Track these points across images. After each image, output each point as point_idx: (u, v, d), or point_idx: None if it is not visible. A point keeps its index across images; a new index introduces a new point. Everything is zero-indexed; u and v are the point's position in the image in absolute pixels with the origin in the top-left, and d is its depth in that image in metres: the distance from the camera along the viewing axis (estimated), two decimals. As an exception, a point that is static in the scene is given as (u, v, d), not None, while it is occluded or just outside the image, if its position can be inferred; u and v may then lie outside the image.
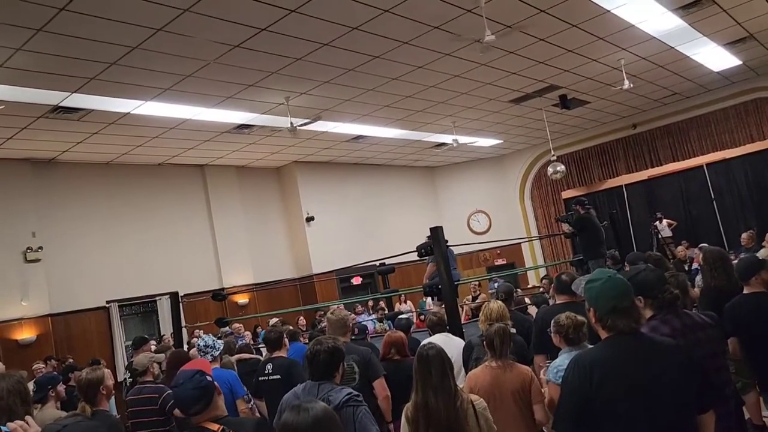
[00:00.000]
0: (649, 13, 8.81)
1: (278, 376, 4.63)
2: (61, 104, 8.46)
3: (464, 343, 4.89)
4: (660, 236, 13.57)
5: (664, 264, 4.68)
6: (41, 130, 9.34)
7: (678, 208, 15.30)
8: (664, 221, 13.94)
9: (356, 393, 2.98)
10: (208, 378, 2.44)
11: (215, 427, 2.35)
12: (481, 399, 2.97)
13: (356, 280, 14.95)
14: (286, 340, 5.13)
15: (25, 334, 10.19)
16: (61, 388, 4.12)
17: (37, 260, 10.49)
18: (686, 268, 9.97)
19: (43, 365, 8.46)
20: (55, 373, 7.59)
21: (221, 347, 4.69)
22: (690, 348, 2.45)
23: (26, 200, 10.63)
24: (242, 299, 13.16)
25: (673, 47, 10.46)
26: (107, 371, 3.96)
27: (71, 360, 9.47)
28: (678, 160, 15.46)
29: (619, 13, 8.58)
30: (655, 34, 9.66)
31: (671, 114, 15.08)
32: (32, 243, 10.50)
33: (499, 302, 4.65)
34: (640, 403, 2.20)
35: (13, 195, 10.47)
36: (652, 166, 15.88)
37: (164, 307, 11.66)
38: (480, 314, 4.75)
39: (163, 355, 5.32)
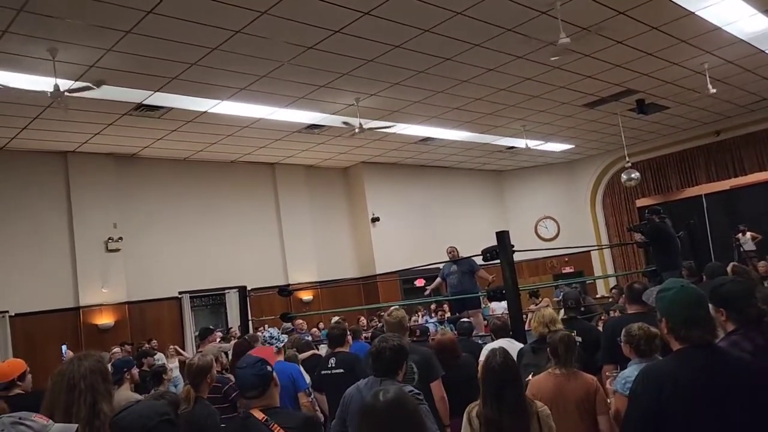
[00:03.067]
0: (737, 15, 8.37)
1: (341, 370, 4.69)
2: (144, 102, 8.91)
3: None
4: (742, 249, 12.83)
5: (749, 276, 4.42)
6: (125, 127, 9.85)
7: (762, 221, 14.36)
8: (748, 234, 13.16)
9: (417, 391, 2.99)
10: (269, 368, 2.55)
11: (261, 415, 2.48)
12: (545, 406, 2.91)
13: (419, 282, 14.92)
14: (350, 337, 5.19)
15: (105, 319, 10.78)
16: (135, 371, 4.33)
17: (117, 250, 11.09)
18: (766, 284, 9.38)
19: (119, 349, 8.91)
20: (130, 357, 8.00)
21: (285, 340, 4.80)
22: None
23: (109, 193, 11.26)
24: (306, 296, 13.41)
25: (762, 50, 9.89)
26: (213, 359, 3.96)
27: (147, 345, 9.93)
28: (764, 170, 14.57)
29: (704, 15, 8.19)
30: (743, 36, 9.16)
31: (758, 121, 14.24)
32: (113, 233, 11.10)
33: (550, 309, 4.59)
34: (710, 422, 2.09)
35: (97, 187, 11.11)
36: (735, 176, 15.05)
37: (232, 300, 12.05)
38: (533, 321, 4.69)
39: (230, 344, 5.50)
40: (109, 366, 4.33)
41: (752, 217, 14.20)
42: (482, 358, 3.83)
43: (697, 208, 15.69)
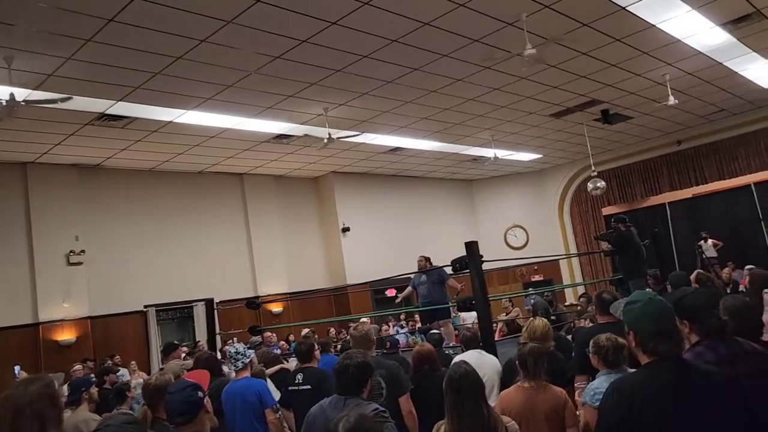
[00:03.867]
0: (696, 28, 8.58)
1: (309, 387, 4.59)
2: (107, 112, 8.71)
3: (496, 360, 4.78)
4: (704, 256, 13.12)
5: (713, 283, 4.48)
6: (88, 137, 9.62)
7: (724, 228, 14.72)
8: (710, 241, 13.47)
9: (383, 409, 2.92)
10: (200, 394, 2.50)
11: None
12: (513, 422, 2.88)
13: (390, 293, 14.87)
14: (317, 352, 5.09)
15: (66, 335, 10.45)
16: (93, 390, 4.17)
17: (79, 263, 10.79)
18: (728, 290, 9.59)
19: (80, 366, 8.63)
20: (91, 376, 7.75)
21: (251, 355, 4.69)
22: (736, 378, 2.32)
23: (71, 204, 10.96)
24: (276, 308, 13.24)
25: (720, 63, 10.17)
26: (172, 378, 3.87)
27: (110, 362, 9.65)
28: (724, 179, 14.97)
29: (665, 28, 8.38)
30: (702, 49, 9.40)
31: (718, 131, 14.63)
32: (75, 246, 10.80)
33: (545, 320, 4.52)
34: (680, 434, 2.08)
35: (59, 199, 10.80)
36: (697, 184, 15.41)
37: (200, 313, 11.83)
38: (523, 330, 4.61)
39: (191, 362, 5.34)
40: (65, 387, 4.19)
41: (714, 225, 14.56)
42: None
43: (660, 216, 16.04)
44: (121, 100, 8.38)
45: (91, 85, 7.73)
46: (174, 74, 7.74)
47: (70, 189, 11.00)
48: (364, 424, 1.69)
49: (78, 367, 8.72)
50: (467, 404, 2.73)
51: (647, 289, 8.25)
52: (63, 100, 7.11)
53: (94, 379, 6.26)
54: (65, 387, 4.08)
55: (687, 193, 15.71)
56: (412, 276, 9.35)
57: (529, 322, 4.59)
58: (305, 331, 9.90)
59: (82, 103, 8.23)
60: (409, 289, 9.45)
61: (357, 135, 10.94)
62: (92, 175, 11.36)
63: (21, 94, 7.15)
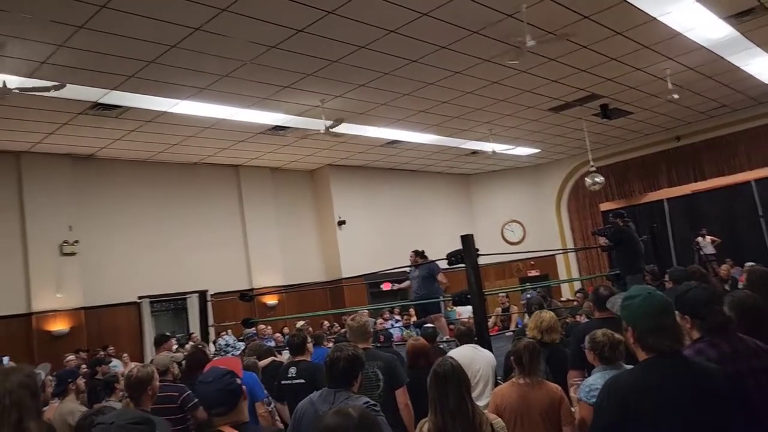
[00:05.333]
0: (699, 22, 8.48)
1: (302, 380, 4.53)
2: (100, 101, 8.60)
3: (491, 355, 4.72)
4: (702, 253, 13.06)
5: (707, 279, 4.42)
6: (81, 126, 9.51)
7: (722, 224, 14.65)
8: (708, 238, 13.41)
9: (373, 403, 2.86)
10: (238, 381, 2.41)
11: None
12: (499, 419, 2.83)
13: (385, 286, 14.80)
14: (310, 345, 5.03)
15: (59, 325, 10.37)
16: (80, 381, 4.11)
17: (72, 254, 10.69)
18: (726, 287, 9.55)
19: (74, 357, 8.55)
20: (84, 365, 7.68)
21: (241, 347, 4.62)
22: (739, 376, 2.25)
23: (65, 194, 10.85)
24: (271, 300, 13.17)
25: (722, 57, 10.07)
26: (155, 370, 3.82)
27: (102, 353, 9.58)
28: (724, 175, 14.89)
29: (667, 21, 8.28)
30: (705, 43, 9.31)
31: (718, 127, 14.55)
32: (69, 236, 10.70)
33: (552, 313, 4.46)
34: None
35: (53, 189, 10.69)
36: (696, 181, 15.35)
37: (194, 305, 11.72)
38: (530, 322, 4.56)
39: (181, 354, 5.28)
40: (52, 377, 4.12)
41: (712, 221, 14.51)
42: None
43: (659, 212, 15.97)
44: (114, 89, 8.27)
45: (84, 73, 7.62)
46: (168, 63, 7.63)
47: (63, 179, 10.89)
48: (372, 416, 1.60)
49: (71, 357, 8.64)
50: (451, 399, 2.70)
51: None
52: (56, 88, 6.99)
53: (83, 370, 6.21)
54: (51, 378, 4.02)
55: (686, 189, 15.64)
56: (408, 270, 9.31)
57: (535, 314, 4.54)
58: (300, 323, 9.86)
59: (75, 92, 8.11)
60: (407, 282, 9.44)
61: (344, 132, 10.83)
62: (86, 165, 11.25)
63: (13, 81, 7.05)
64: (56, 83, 6.97)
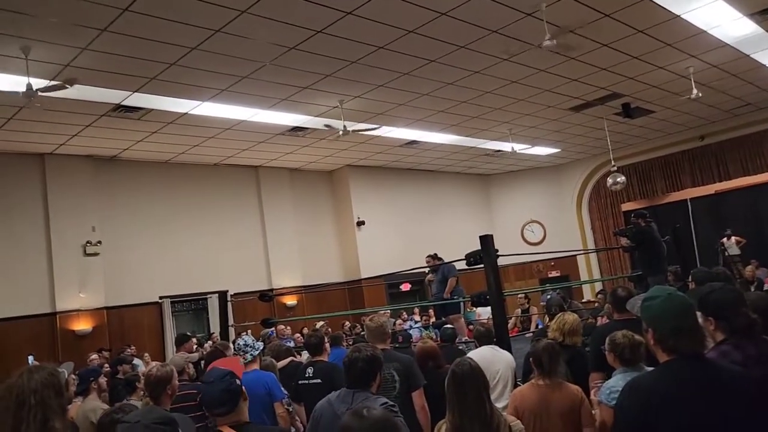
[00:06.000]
0: (722, 19, 8.34)
1: (319, 381, 4.54)
2: (122, 103, 8.71)
3: (510, 356, 4.69)
4: (727, 254, 12.85)
5: (729, 281, 4.32)
6: (104, 128, 9.64)
7: (747, 225, 14.39)
8: (733, 238, 13.19)
9: (392, 404, 2.85)
10: (238, 381, 2.42)
11: None
12: (518, 421, 2.80)
13: (405, 287, 14.81)
14: (327, 345, 5.04)
15: (82, 325, 10.53)
16: (102, 380, 4.16)
17: (95, 254, 10.85)
18: (752, 289, 9.37)
19: (96, 356, 8.68)
20: (106, 364, 7.79)
21: (260, 347, 4.64)
22: (765, 380, 2.20)
23: (88, 196, 11.02)
24: (290, 301, 13.23)
25: (747, 55, 9.89)
26: (174, 369, 3.82)
27: (128, 351, 9.68)
28: (749, 174, 14.62)
29: (690, 19, 8.15)
30: (728, 40, 9.15)
31: (743, 126, 14.28)
32: (92, 237, 10.86)
33: (575, 315, 4.42)
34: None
35: (76, 190, 10.86)
36: (720, 180, 15.09)
37: (215, 305, 11.80)
38: (552, 323, 4.53)
39: (197, 354, 5.32)
40: (74, 376, 4.18)
41: (737, 222, 14.25)
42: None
43: (682, 212, 15.72)
44: (136, 92, 8.38)
45: (107, 75, 7.73)
46: (189, 65, 7.70)
47: (86, 180, 11.06)
48: (386, 421, 1.59)
49: (94, 356, 8.77)
50: (469, 400, 2.68)
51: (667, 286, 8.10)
52: (69, 83, 7.05)
53: (105, 369, 6.28)
54: (74, 376, 4.08)
55: (710, 189, 15.39)
56: (426, 271, 9.31)
57: (558, 316, 4.51)
58: (319, 324, 9.89)
59: (98, 94, 8.24)
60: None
61: (374, 128, 10.87)
62: (109, 167, 11.41)
63: (38, 84, 7.17)
64: (67, 81, 7.05)
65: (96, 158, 11.18)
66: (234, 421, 2.40)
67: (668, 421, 2.02)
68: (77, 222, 10.76)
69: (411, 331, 9.10)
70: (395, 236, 14.88)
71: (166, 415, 1.85)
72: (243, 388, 2.47)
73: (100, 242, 10.91)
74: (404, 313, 11.95)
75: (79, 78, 7.34)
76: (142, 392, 4.91)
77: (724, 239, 13.15)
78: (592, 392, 3.65)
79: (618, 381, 3.14)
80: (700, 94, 10.37)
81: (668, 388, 2.06)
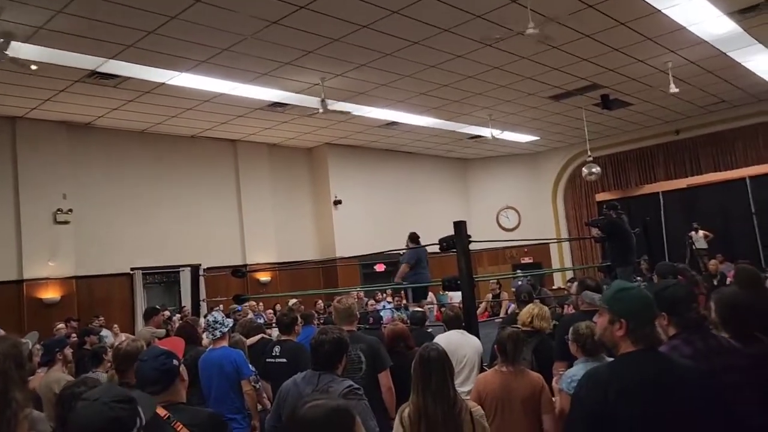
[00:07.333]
0: (703, 16, 8.43)
1: (285, 360, 4.57)
2: (98, 69, 8.52)
3: (477, 341, 4.76)
4: (694, 247, 13.14)
5: (691, 278, 4.45)
6: (78, 94, 9.44)
7: (716, 220, 14.72)
8: (701, 232, 13.48)
9: (357, 386, 2.89)
10: (174, 362, 2.43)
11: (162, 412, 2.34)
12: (479, 407, 2.87)
13: (379, 268, 14.87)
14: (299, 326, 5.06)
15: (50, 293, 10.39)
16: (68, 351, 4.13)
17: (66, 222, 10.67)
18: (715, 282, 9.62)
19: (63, 326, 8.59)
20: (74, 335, 7.72)
21: (230, 324, 4.65)
22: (712, 373, 2.28)
23: (60, 162, 10.79)
24: (264, 277, 13.21)
25: (724, 53, 10.04)
26: (144, 344, 3.73)
27: (96, 322, 9.59)
28: (720, 170, 14.93)
29: (671, 14, 8.23)
30: (707, 38, 9.26)
31: (717, 122, 14.54)
32: (62, 205, 10.68)
33: (546, 308, 4.53)
34: (653, 428, 2.05)
35: (48, 156, 10.63)
36: (692, 175, 15.38)
37: (187, 279, 11.74)
38: (523, 311, 4.59)
39: (163, 330, 5.30)
40: (38, 346, 4.14)
41: (706, 216, 14.56)
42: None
43: (654, 204, 16.01)
44: (113, 58, 8.19)
45: (82, 40, 7.54)
46: (168, 34, 7.55)
47: (59, 147, 10.82)
48: (334, 418, 1.60)
49: (61, 326, 8.69)
50: (434, 383, 2.73)
51: (638, 278, 8.26)
52: (36, 64, 6.83)
53: (72, 339, 6.23)
54: (39, 347, 4.04)
55: (681, 183, 15.68)
56: (401, 253, 9.29)
57: (529, 307, 4.58)
58: (292, 301, 9.88)
59: (72, 59, 8.05)
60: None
61: (350, 113, 10.75)
62: (82, 134, 11.18)
63: (10, 46, 6.97)
64: (38, 61, 6.86)
65: (70, 124, 10.94)
66: (167, 400, 2.40)
67: (624, 410, 2.08)
68: (48, 189, 10.55)
69: (382, 312, 9.17)
70: (372, 217, 14.90)
71: (125, 394, 1.84)
72: (181, 368, 2.47)
73: (71, 210, 10.73)
74: (379, 294, 12.00)
75: (56, 43, 7.15)
76: (109, 364, 4.89)
77: (693, 232, 13.44)
78: (554, 380, 3.74)
79: (579, 370, 3.22)
80: (678, 89, 10.51)
81: (627, 380, 2.12)
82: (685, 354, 2.38)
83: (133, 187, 11.76)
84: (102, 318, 9.95)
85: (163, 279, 12.33)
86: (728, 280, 9.18)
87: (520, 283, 9.59)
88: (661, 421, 2.07)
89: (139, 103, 10.15)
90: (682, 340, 2.45)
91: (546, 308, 4.57)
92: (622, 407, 2.08)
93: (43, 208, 10.50)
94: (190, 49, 8.10)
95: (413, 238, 8.42)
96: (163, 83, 9.28)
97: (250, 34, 7.80)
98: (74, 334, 7.88)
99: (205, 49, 8.15)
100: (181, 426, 2.29)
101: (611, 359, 2.74)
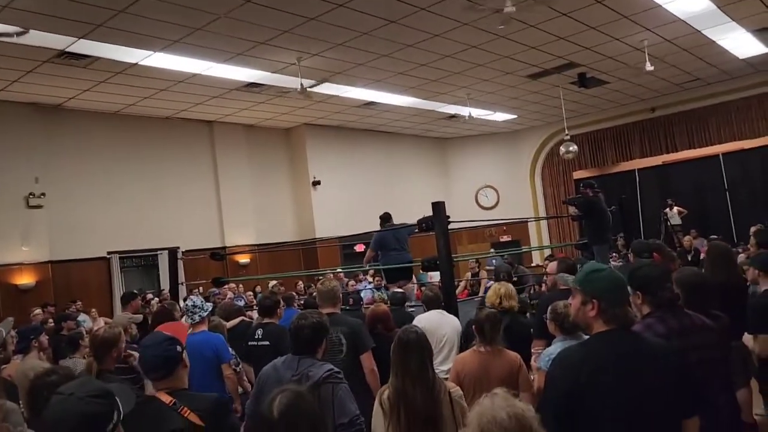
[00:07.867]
0: (678, -6, 8.48)
1: (267, 343, 4.57)
2: (67, 49, 8.31)
3: (456, 321, 4.81)
4: (669, 223, 13.36)
5: (666, 252, 4.51)
6: (47, 75, 9.21)
7: (690, 196, 15.00)
8: (675, 208, 13.71)
9: (337, 370, 2.90)
10: (178, 348, 2.41)
11: (167, 398, 2.34)
12: (458, 388, 2.91)
13: (359, 248, 14.86)
14: (281, 309, 5.05)
15: (25, 279, 10.24)
16: (43, 338, 4.08)
17: (39, 206, 10.48)
18: (689, 258, 9.81)
19: (40, 311, 8.48)
20: (50, 320, 7.62)
21: (209, 308, 4.62)
22: (684, 351, 2.34)
23: (30, 145, 10.55)
24: (243, 259, 13.15)
25: (699, 31, 10.12)
26: (122, 331, 3.70)
27: (74, 308, 9.47)
28: (694, 148, 15.15)
29: (647, -8, 8.25)
30: (682, 15, 9.32)
31: (691, 100, 14.71)
32: (35, 189, 10.47)
33: (511, 286, 4.58)
34: (625, 405, 2.09)
35: (17, 139, 10.38)
36: (668, 152, 15.58)
37: (165, 262, 11.63)
38: (490, 292, 4.63)
39: (140, 316, 5.26)
40: (13, 333, 4.08)
41: (681, 193, 14.83)
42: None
43: (630, 182, 16.22)
44: (82, 38, 7.98)
45: (50, 19, 7.32)
46: (139, 13, 7.37)
47: (29, 129, 10.56)
48: (300, 405, 1.61)
49: (38, 311, 8.57)
50: (413, 365, 2.75)
51: (614, 254, 8.39)
52: (18, 33, 6.71)
53: (49, 324, 6.15)
54: (14, 334, 3.98)
55: (657, 160, 15.89)
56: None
57: (496, 285, 4.63)
58: (272, 283, 9.86)
59: (40, 38, 7.82)
60: None
61: (324, 88, 10.63)
62: (54, 116, 10.92)
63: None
64: (19, 29, 6.68)
65: (40, 106, 10.68)
66: (170, 387, 2.39)
67: (597, 388, 2.11)
68: (19, 172, 10.32)
69: (363, 293, 9.19)
70: (351, 197, 14.86)
71: (102, 388, 1.82)
72: (184, 354, 2.46)
73: (44, 194, 10.53)
74: (360, 274, 12.02)
75: (23, 22, 6.93)
76: (86, 350, 4.84)
77: (667, 209, 13.65)
78: (532, 358, 3.80)
79: (557, 349, 3.27)
80: (653, 68, 10.58)
81: (600, 359, 2.15)
82: (659, 332, 2.42)
83: (107, 170, 11.56)
84: (79, 303, 9.84)
85: (141, 262, 12.21)
86: (702, 255, 9.37)
87: (494, 261, 9.69)
88: (632, 398, 2.11)
89: (111, 84, 9.93)
90: (656, 319, 2.50)
91: (511, 286, 4.62)
92: (594, 386, 2.12)
93: (15, 192, 10.28)
94: (162, 28, 7.92)
95: (384, 218, 8.04)
96: (136, 63, 9.09)
97: (224, 13, 7.65)
98: (51, 320, 7.77)
99: (177, 28, 7.98)
100: (188, 411, 2.29)
101: (588, 337, 2.80)
